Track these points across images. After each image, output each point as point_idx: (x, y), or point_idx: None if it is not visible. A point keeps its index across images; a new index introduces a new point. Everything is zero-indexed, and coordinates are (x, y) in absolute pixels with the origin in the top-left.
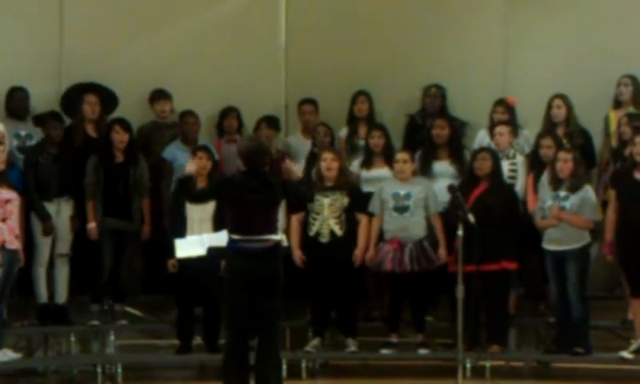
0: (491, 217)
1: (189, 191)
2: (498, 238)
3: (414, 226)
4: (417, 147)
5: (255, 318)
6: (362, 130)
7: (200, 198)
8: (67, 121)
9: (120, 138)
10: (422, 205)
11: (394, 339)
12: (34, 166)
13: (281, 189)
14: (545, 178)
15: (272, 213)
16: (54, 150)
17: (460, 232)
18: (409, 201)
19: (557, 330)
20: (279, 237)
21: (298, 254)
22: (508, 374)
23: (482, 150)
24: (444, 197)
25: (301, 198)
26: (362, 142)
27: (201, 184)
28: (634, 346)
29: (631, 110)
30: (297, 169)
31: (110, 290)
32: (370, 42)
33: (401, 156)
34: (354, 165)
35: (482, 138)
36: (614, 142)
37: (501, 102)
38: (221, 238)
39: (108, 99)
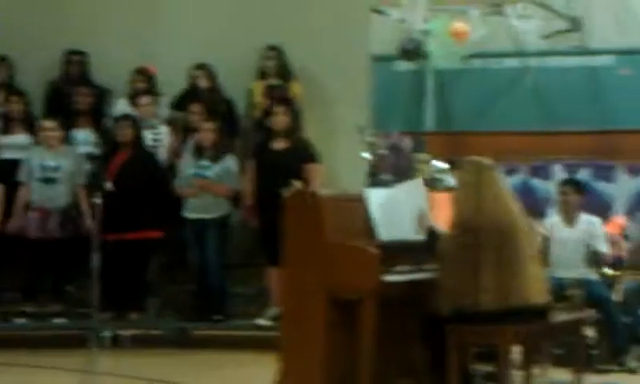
0: (134, 185)
1: None
2: (141, 206)
3: (61, 196)
4: (59, 114)
5: None
6: (0, 96)
7: None
8: None
9: None
10: (69, 176)
11: (30, 309)
12: None
13: None
14: (190, 145)
15: None
16: None
17: (98, 200)
18: (57, 173)
19: (196, 298)
20: None
21: None
22: (148, 342)
23: (124, 117)
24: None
25: None
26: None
27: None
28: (270, 313)
29: (274, 81)
30: None
31: None
32: (9, 5)
33: (47, 124)
34: None
35: (122, 107)
36: (257, 113)
37: (141, 71)
38: None
39: None
